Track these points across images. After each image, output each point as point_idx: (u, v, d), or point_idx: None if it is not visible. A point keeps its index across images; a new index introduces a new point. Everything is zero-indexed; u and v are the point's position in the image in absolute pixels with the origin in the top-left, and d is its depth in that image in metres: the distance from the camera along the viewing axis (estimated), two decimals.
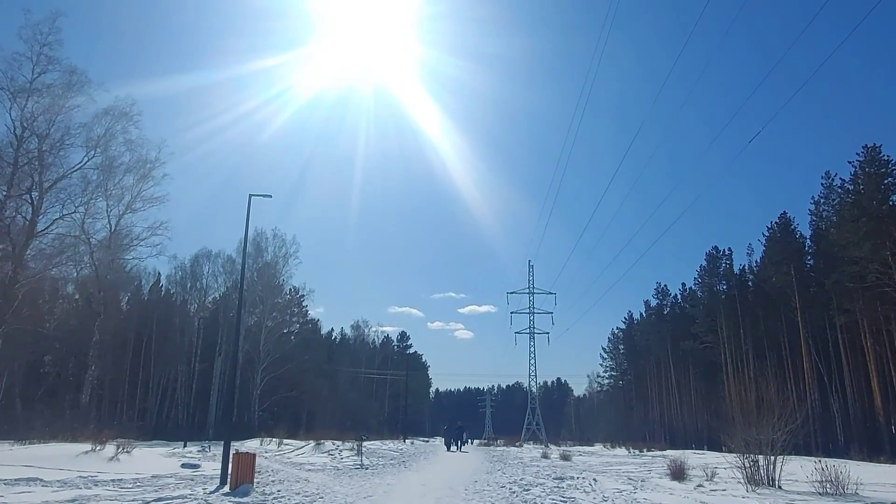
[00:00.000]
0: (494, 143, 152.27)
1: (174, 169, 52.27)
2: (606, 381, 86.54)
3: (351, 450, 21.54)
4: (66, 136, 26.23)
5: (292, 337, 60.01)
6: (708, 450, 40.65)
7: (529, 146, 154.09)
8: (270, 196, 12.91)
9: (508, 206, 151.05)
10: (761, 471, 14.51)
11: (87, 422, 27.46)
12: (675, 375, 61.96)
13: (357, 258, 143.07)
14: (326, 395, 62.14)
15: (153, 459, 15.70)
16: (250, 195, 12.40)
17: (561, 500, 9.10)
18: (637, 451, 38.12)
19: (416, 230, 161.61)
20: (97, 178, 29.26)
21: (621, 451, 41.55)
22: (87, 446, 14.96)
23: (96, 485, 10.87)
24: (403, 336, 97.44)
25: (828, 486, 12.64)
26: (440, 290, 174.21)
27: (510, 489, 11.21)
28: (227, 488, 10.12)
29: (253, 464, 10.27)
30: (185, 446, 25.87)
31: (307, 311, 64.56)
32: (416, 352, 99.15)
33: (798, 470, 16.13)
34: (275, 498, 9.15)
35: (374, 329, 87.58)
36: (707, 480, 15.16)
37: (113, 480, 11.39)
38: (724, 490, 13.31)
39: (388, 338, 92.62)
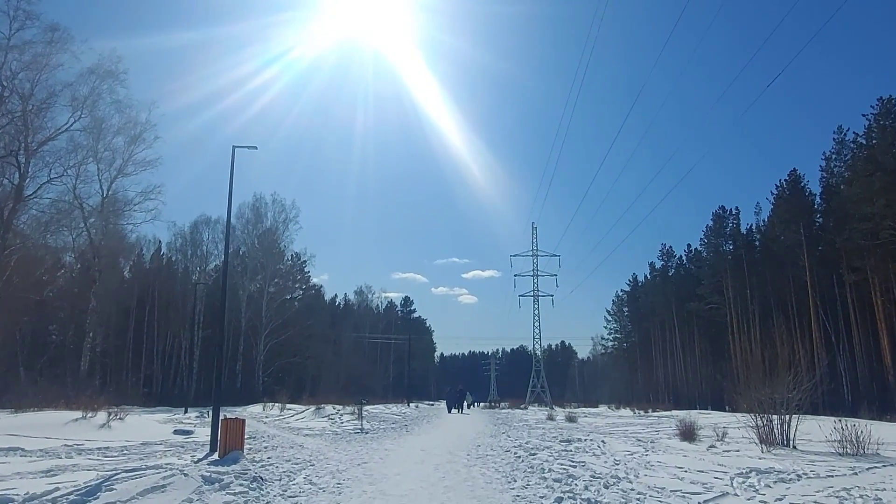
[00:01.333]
0: (495, 108, 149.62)
1: (168, 134, 51.28)
2: (610, 344, 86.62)
3: (352, 414, 21.14)
4: (50, 97, 25.27)
5: (296, 303, 59.82)
6: (712, 410, 40.53)
7: (531, 110, 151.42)
8: (255, 147, 12.11)
9: (511, 170, 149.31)
10: (775, 431, 14.00)
11: (87, 390, 27.22)
12: (680, 337, 61.71)
13: (360, 225, 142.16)
14: (330, 360, 62.26)
15: (147, 426, 15.29)
16: (234, 146, 11.62)
17: (570, 465, 8.48)
18: (642, 412, 37.88)
19: (418, 196, 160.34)
20: (86, 140, 28.37)
21: (626, 412, 41.41)
22: (79, 414, 14.50)
23: (79, 453, 10.37)
24: (407, 301, 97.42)
25: (848, 445, 12.06)
26: (443, 256, 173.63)
27: (515, 454, 10.63)
28: (215, 455, 9.60)
29: (242, 430, 9.73)
30: (185, 412, 25.66)
31: (309, 276, 64.27)
32: (419, 317, 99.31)
33: (814, 430, 15.63)
34: (262, 465, 8.62)
35: (377, 295, 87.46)
36: (718, 441, 14.68)
37: (99, 448, 10.90)
38: (738, 451, 12.76)
39: (391, 303, 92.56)
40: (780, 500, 6.32)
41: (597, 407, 53.39)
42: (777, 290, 44.95)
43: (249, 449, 10.90)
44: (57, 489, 5.98)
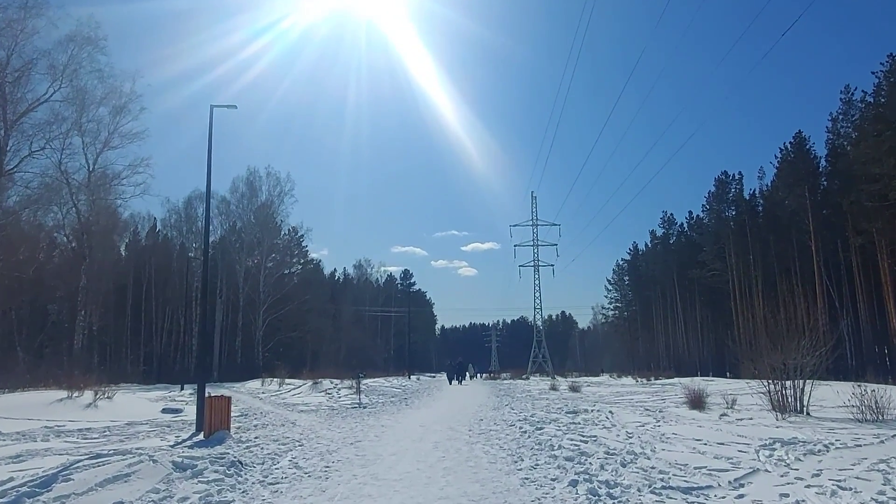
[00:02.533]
0: (490, 79, 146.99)
1: (157, 107, 49.97)
2: (611, 313, 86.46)
3: (350, 388, 20.57)
4: (27, 65, 24.17)
5: (294, 278, 59.31)
6: (715, 377, 40.28)
7: (526, 81, 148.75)
8: (235, 107, 11.28)
9: (508, 141, 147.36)
10: (788, 397, 13.46)
11: (84, 368, 26.77)
12: (681, 305, 61.40)
13: (357, 199, 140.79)
14: (330, 334, 61.99)
15: (136, 405, 14.73)
16: (212, 106, 10.78)
17: (581, 440, 7.82)
18: (644, 381, 37.61)
19: (415, 169, 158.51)
20: (69, 112, 27.35)
21: (628, 380, 41.16)
22: (64, 394, 13.91)
23: (58, 436, 9.78)
24: (407, 274, 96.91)
25: (867, 412, 11.49)
26: (442, 229, 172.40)
27: (520, 427, 9.98)
28: (201, 436, 9.01)
29: (228, 408, 9.12)
30: (182, 389, 25.28)
31: (307, 251, 63.61)
32: (419, 289, 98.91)
33: (825, 395, 15.13)
34: (248, 447, 7.98)
35: (377, 269, 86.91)
36: (728, 409, 14.15)
37: (80, 430, 10.31)
38: (752, 419, 12.22)
39: (391, 276, 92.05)
40: (818, 475, 5.71)
41: (598, 376, 53.25)
42: (780, 255, 44.38)
43: (238, 428, 10.31)
44: (11, 479, 5.35)
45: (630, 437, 8.04)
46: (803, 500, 4.78)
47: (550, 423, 9.93)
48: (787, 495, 5.03)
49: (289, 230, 59.18)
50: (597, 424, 9.48)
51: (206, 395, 9.50)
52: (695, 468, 6.03)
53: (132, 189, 31.99)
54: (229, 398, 9.42)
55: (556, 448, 7.50)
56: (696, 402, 15.11)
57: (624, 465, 6.36)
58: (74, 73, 26.44)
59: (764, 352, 13.99)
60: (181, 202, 53.26)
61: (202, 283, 12.09)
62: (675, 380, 36.03)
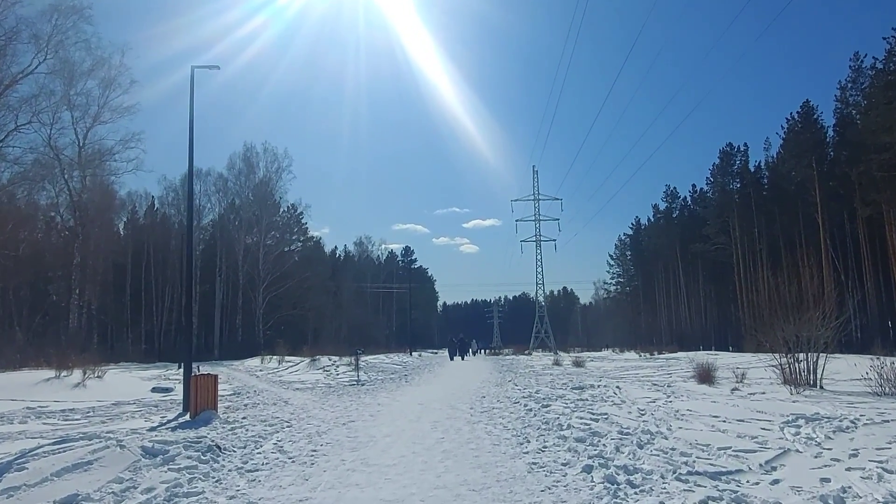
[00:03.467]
0: (489, 54, 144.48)
1: (151, 85, 48.93)
2: (613, 288, 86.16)
3: (348, 365, 20.11)
4: (10, 37, 23.29)
5: (295, 256, 58.83)
6: (717, 351, 39.97)
7: (527, 55, 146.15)
8: (218, 67, 10.52)
9: (509, 117, 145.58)
10: (801, 371, 12.97)
11: (80, 347, 26.40)
12: (684, 279, 60.94)
13: (357, 177, 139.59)
14: (332, 311, 61.69)
15: (127, 384, 14.24)
16: (193, 67, 10.06)
17: (591, 418, 7.24)
18: (647, 355, 37.25)
19: (415, 147, 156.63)
20: (57, 86, 26.53)
21: (631, 355, 40.84)
22: (52, 373, 13.42)
23: (39, 417, 9.30)
24: (408, 251, 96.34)
25: (886, 385, 11.00)
26: (444, 206, 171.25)
27: (525, 405, 9.34)
28: (187, 416, 8.50)
29: (215, 387, 8.59)
30: (179, 367, 24.90)
31: (307, 228, 63.00)
32: (421, 266, 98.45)
33: (841, 368, 14.67)
34: (233, 429, 7.42)
35: (378, 246, 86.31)
36: (739, 383, 13.69)
37: (63, 411, 9.82)
38: (764, 393, 11.73)
39: (392, 253, 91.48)
40: (854, 455, 5.18)
41: (600, 351, 53.04)
42: (786, 227, 43.76)
43: (227, 407, 9.82)
44: None
45: (643, 415, 7.49)
46: (849, 486, 4.22)
47: (557, 399, 9.35)
48: (827, 480, 4.48)
49: (288, 207, 58.60)
50: (605, 401, 8.92)
51: (193, 373, 8.97)
52: (719, 449, 5.46)
53: (124, 165, 31.27)
54: (216, 377, 8.89)
55: (564, 427, 6.92)
56: (705, 376, 14.64)
57: (641, 447, 5.78)
58: (60, 44, 25.58)
59: (776, 324, 13.48)
60: (178, 180, 52.39)
61: (186, 256, 11.50)
62: (679, 354, 35.72)
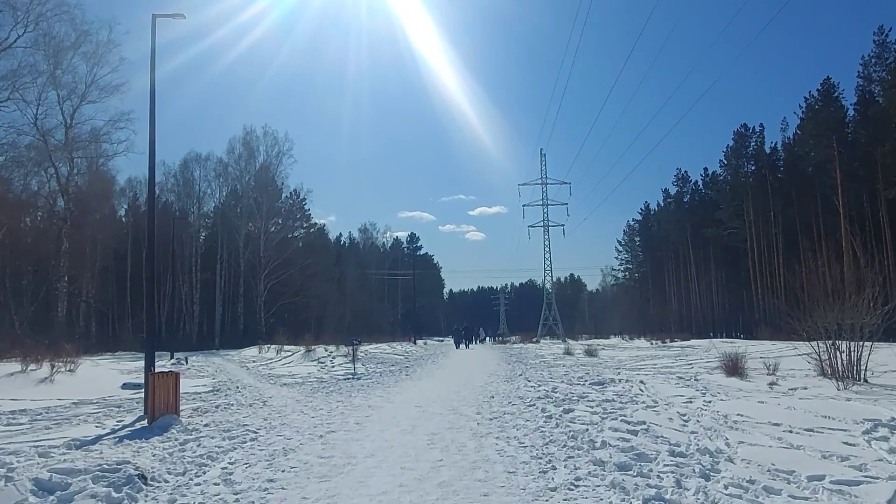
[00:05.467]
0: (495, 40, 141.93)
1: (147, 64, 47.58)
2: (621, 275, 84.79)
3: (346, 356, 18.93)
4: None
5: (299, 243, 57.78)
6: (727, 337, 38.65)
7: (533, 39, 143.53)
8: (183, 16, 9.25)
9: (515, 102, 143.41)
10: (843, 362, 11.67)
11: (70, 337, 25.44)
12: (695, 265, 59.46)
13: (363, 165, 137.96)
14: (335, 299, 60.61)
15: (100, 378, 13.09)
16: (154, 15, 8.76)
17: (628, 429, 5.80)
18: (659, 343, 35.99)
19: (419, 134, 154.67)
20: (41, 62, 25.23)
21: (642, 342, 39.57)
22: (17, 367, 12.28)
23: None
24: (413, 238, 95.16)
25: None
26: (449, 193, 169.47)
27: (543, 409, 7.76)
28: (145, 422, 7.29)
29: (176, 387, 7.34)
30: (171, 357, 24.04)
31: (310, 214, 61.82)
32: (426, 253, 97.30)
33: (884, 359, 13.37)
34: (184, 442, 5.93)
35: (383, 233, 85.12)
36: (772, 376, 12.40)
37: (12, 412, 8.66)
38: (807, 388, 10.49)
39: (397, 240, 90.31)
40: None
41: (608, 338, 51.73)
42: (803, 210, 42.20)
43: (196, 409, 8.61)
44: None
45: (686, 422, 6.21)
46: None
47: (578, 400, 7.99)
48: None
49: (290, 193, 57.47)
50: (636, 402, 7.59)
51: (152, 371, 7.75)
52: (810, 479, 4.12)
53: (114, 147, 30.02)
54: (178, 375, 7.64)
55: (597, 445, 5.45)
56: (733, 368, 13.35)
57: (707, 478, 4.37)
58: (41, 16, 24.25)
59: (816, 311, 12.15)
60: (177, 165, 51.22)
61: (148, 230, 10.31)
62: (693, 342, 34.41)
